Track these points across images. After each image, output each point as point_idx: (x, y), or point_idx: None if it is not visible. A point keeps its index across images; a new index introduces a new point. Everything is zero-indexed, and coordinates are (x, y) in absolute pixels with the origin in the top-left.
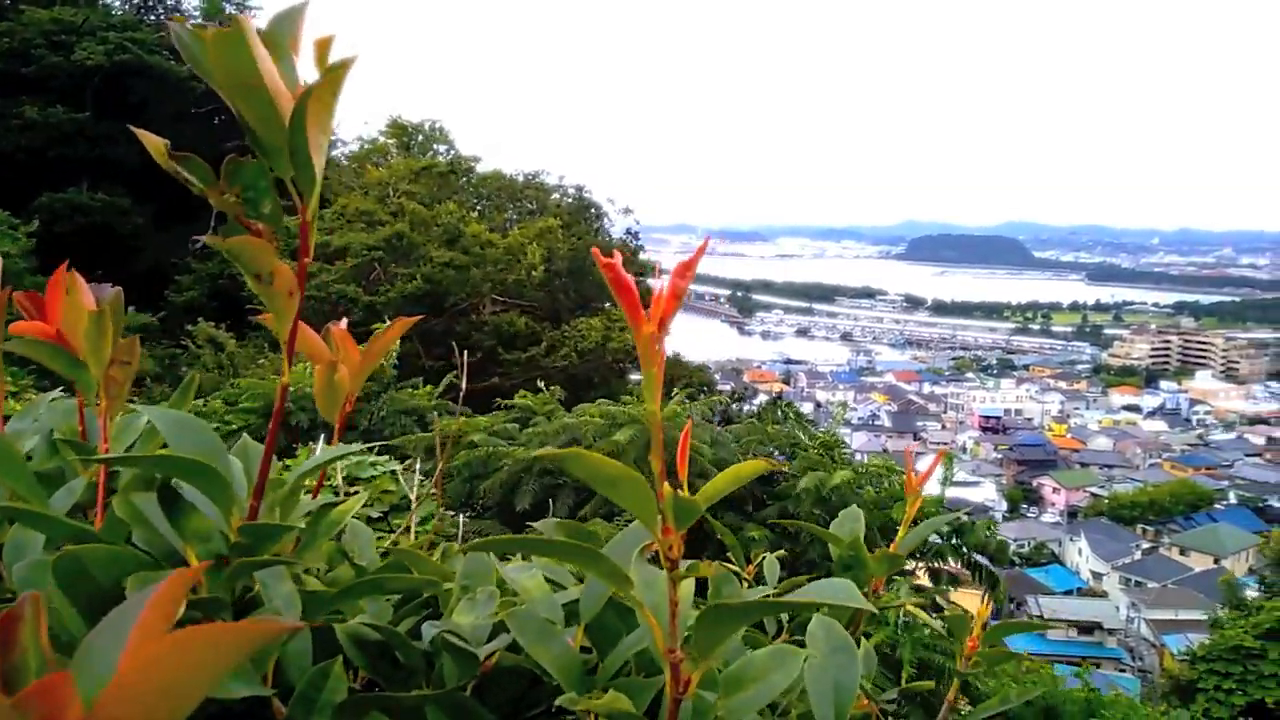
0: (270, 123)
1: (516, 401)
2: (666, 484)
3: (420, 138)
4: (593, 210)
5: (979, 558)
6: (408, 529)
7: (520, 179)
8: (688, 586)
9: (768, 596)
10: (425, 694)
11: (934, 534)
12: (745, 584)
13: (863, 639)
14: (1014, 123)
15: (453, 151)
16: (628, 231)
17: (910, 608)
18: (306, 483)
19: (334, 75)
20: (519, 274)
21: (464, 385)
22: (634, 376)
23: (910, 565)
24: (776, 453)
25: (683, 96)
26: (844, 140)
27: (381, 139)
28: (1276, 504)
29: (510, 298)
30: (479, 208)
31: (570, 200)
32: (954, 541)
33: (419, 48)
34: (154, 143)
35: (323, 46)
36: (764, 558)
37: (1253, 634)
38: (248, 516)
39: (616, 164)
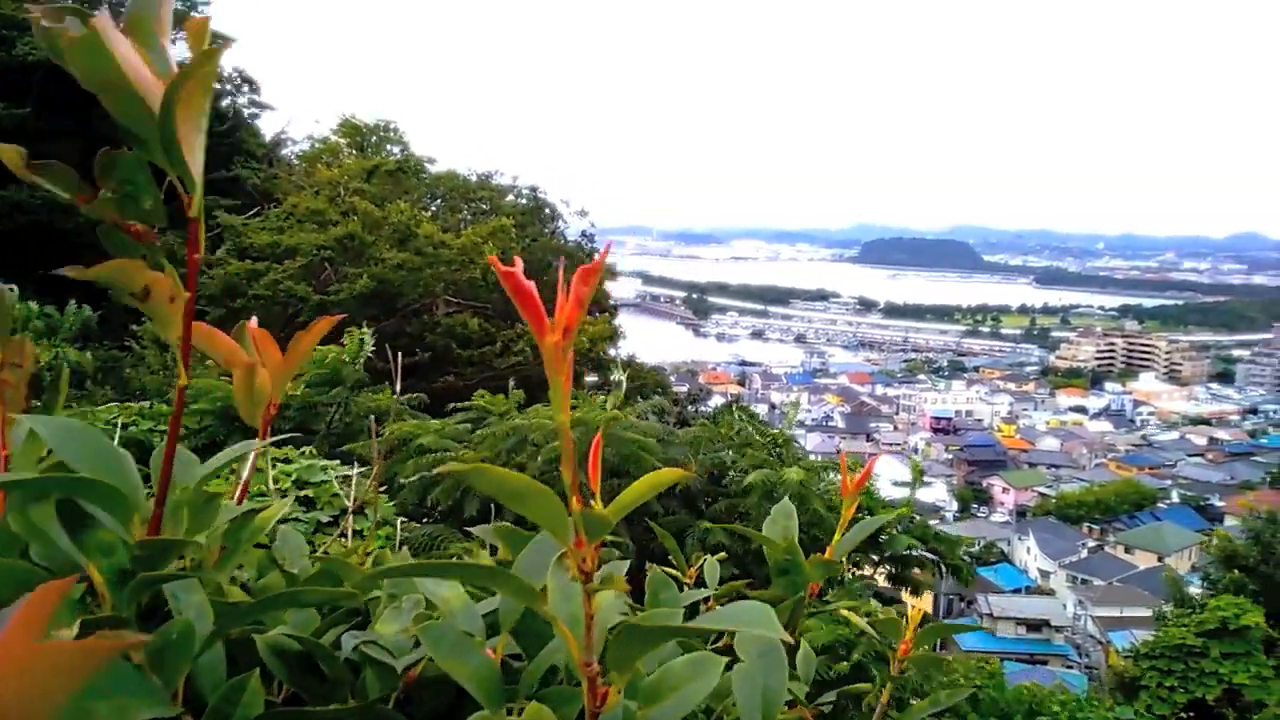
0: (140, 118)
1: (473, 403)
2: (576, 497)
3: (374, 138)
4: (547, 211)
5: (926, 553)
6: (344, 534)
7: (474, 179)
8: (607, 597)
9: (709, 600)
10: (343, 708)
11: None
12: (686, 587)
13: (802, 642)
14: (964, 127)
15: (406, 151)
16: (583, 234)
17: (844, 612)
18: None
19: (204, 61)
20: (473, 274)
21: (398, 387)
22: (589, 378)
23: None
24: (729, 452)
25: (639, 99)
26: (798, 144)
27: (333, 138)
28: (1218, 503)
29: (464, 298)
30: (432, 208)
31: (525, 201)
32: (912, 549)
33: (375, 50)
34: (8, 153)
35: (197, 29)
36: (704, 560)
37: (1195, 632)
38: (150, 526)
39: (571, 166)
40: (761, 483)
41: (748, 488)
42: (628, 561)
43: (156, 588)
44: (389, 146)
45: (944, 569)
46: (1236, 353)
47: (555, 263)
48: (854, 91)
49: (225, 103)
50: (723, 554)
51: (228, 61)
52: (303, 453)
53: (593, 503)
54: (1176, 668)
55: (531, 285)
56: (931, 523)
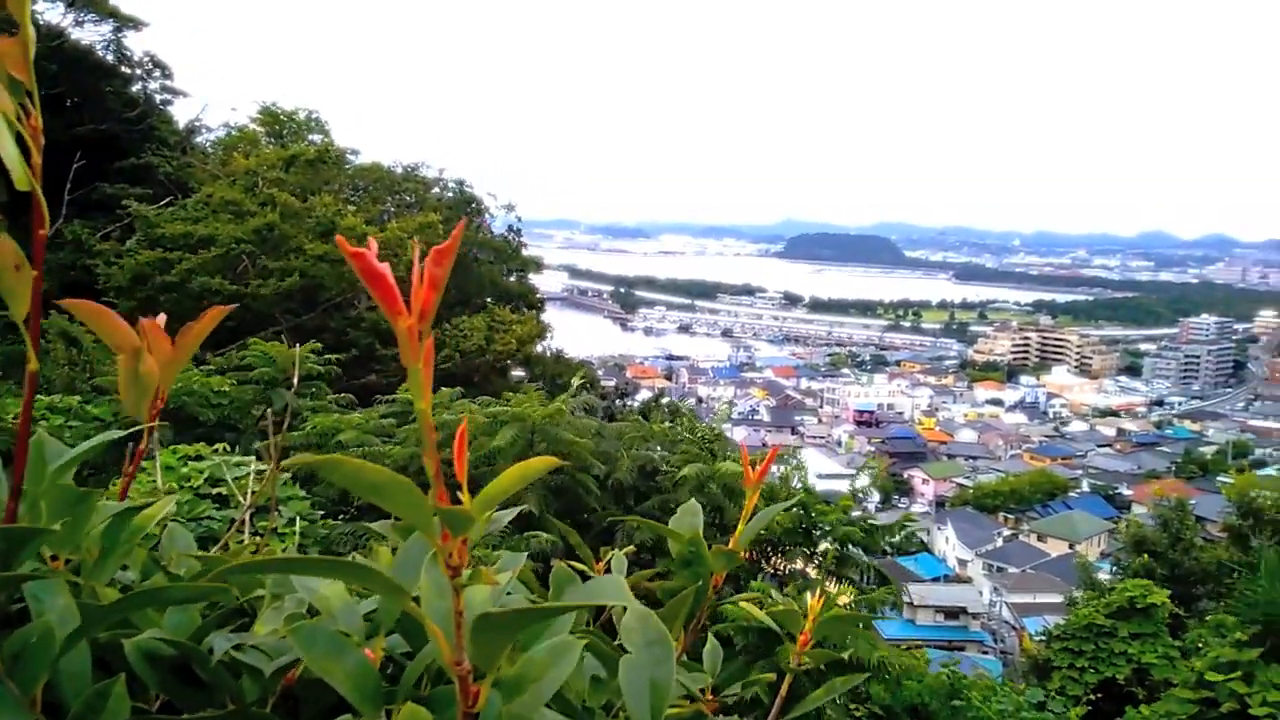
0: None
1: (398, 396)
2: (440, 490)
3: (294, 127)
4: (474, 205)
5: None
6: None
7: (399, 171)
8: (481, 593)
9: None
10: (212, 714)
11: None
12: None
13: (709, 635)
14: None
15: (327, 141)
16: (509, 227)
17: (744, 605)
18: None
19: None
20: (398, 270)
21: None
22: (516, 373)
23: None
24: (659, 448)
25: (567, 91)
26: (726, 139)
27: (251, 126)
28: (1126, 492)
29: None
30: (355, 200)
31: (451, 194)
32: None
33: (296, 37)
34: None
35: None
36: (612, 554)
37: (1104, 613)
38: (6, 517)
39: (499, 158)
40: (694, 476)
41: (680, 481)
42: (523, 555)
43: (15, 589)
44: (310, 136)
45: (870, 571)
46: (1144, 347)
47: (481, 257)
48: (780, 87)
49: (136, 88)
50: (630, 547)
51: (138, 45)
52: (216, 450)
53: (461, 495)
54: (1087, 648)
55: (385, 267)
56: (855, 514)
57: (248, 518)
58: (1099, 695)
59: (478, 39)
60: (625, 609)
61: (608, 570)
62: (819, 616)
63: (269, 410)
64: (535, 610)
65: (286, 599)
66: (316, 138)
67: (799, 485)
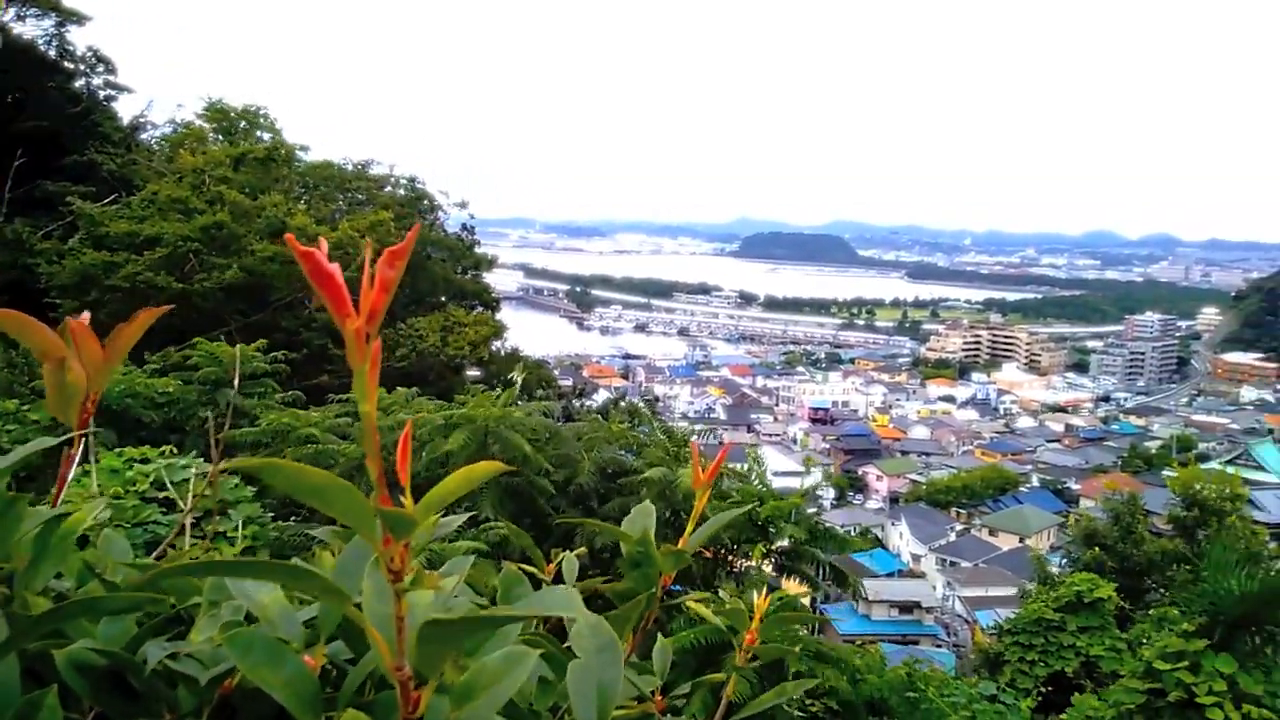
0: None
1: (352, 395)
2: (382, 494)
3: (242, 124)
4: (426, 202)
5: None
6: (207, 537)
7: (350, 169)
8: (424, 597)
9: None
10: None
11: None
12: (544, 584)
13: (659, 636)
14: (841, 125)
15: (276, 138)
16: (463, 226)
17: (691, 604)
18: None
19: None
20: (350, 270)
21: (235, 382)
22: (472, 372)
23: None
24: (620, 450)
25: (521, 89)
26: (681, 137)
27: (198, 123)
28: (1074, 486)
29: None
30: (305, 198)
31: (403, 192)
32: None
33: (244, 31)
34: None
35: None
36: (563, 557)
37: (1053, 607)
38: None
39: (451, 156)
40: (659, 479)
41: (643, 483)
42: (470, 559)
43: None
44: (258, 133)
45: (825, 569)
46: (1090, 344)
47: (435, 255)
48: (734, 85)
49: (79, 84)
50: (583, 549)
51: (81, 40)
52: (162, 452)
53: (403, 499)
54: (1037, 642)
55: (335, 268)
56: (810, 510)
57: (196, 521)
58: (1049, 688)
59: (429, 36)
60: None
61: (558, 573)
62: (765, 615)
63: (212, 411)
64: (482, 619)
65: (224, 606)
66: (266, 135)
67: (758, 483)
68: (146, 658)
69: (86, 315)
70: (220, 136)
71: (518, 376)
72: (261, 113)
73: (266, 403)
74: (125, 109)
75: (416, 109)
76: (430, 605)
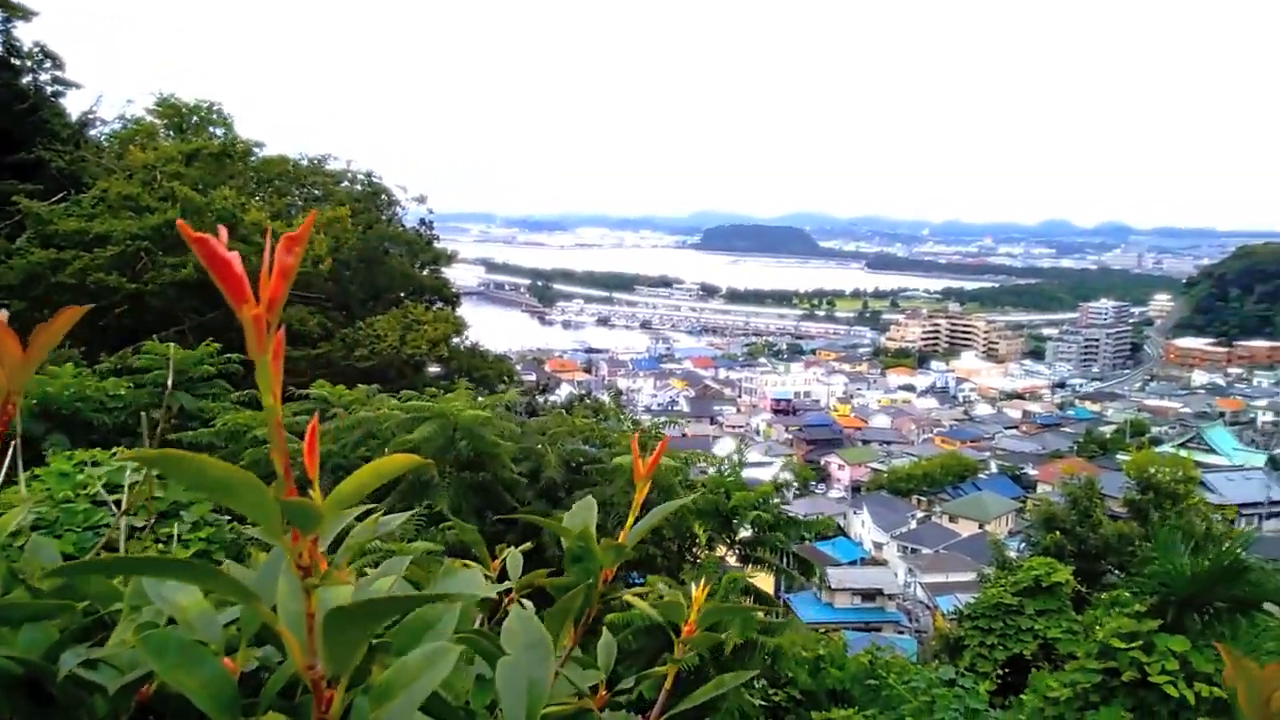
0: None
1: (311, 392)
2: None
3: (194, 119)
4: (384, 197)
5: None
6: (155, 539)
7: (305, 164)
8: (341, 594)
9: (510, 593)
10: None
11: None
12: (489, 579)
13: (604, 630)
14: (800, 117)
15: (230, 133)
16: (422, 221)
17: (628, 597)
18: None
19: None
20: (305, 266)
21: (169, 382)
22: (433, 369)
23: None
24: (585, 444)
25: (479, 84)
26: (640, 132)
27: (149, 119)
28: (1031, 472)
29: (297, 290)
30: (260, 194)
31: (360, 187)
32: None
33: (196, 24)
34: None
35: None
36: (508, 552)
37: (1012, 591)
38: None
39: (409, 151)
40: (627, 468)
41: (614, 470)
42: (407, 559)
43: None
44: (211, 128)
45: (788, 558)
46: (1046, 331)
47: (393, 250)
48: (693, 78)
49: (26, 80)
50: (529, 544)
51: (27, 35)
52: (113, 454)
53: (311, 493)
54: (996, 626)
55: (233, 256)
56: (773, 500)
57: (149, 524)
58: (1008, 671)
59: (386, 31)
60: (521, 608)
61: (503, 570)
62: (703, 607)
63: (163, 413)
64: (385, 601)
65: (145, 609)
66: (218, 130)
67: (730, 475)
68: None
69: (4, 314)
70: (171, 132)
71: (510, 390)
72: (214, 108)
73: (222, 404)
74: (74, 105)
75: (375, 104)
76: (344, 600)
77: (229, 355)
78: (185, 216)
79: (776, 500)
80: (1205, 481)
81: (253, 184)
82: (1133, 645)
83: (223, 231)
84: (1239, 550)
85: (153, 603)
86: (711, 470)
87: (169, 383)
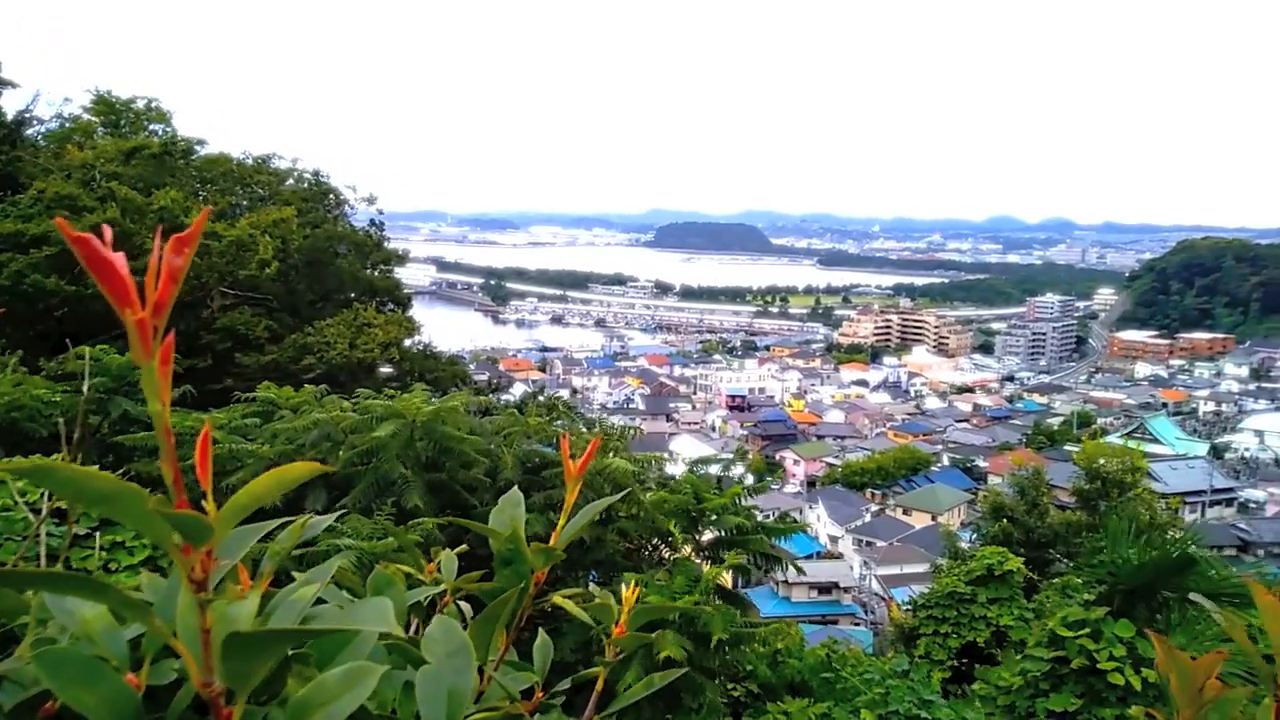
0: None
1: (259, 394)
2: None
3: (132, 116)
4: (332, 197)
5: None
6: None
7: (250, 162)
8: (238, 610)
9: (445, 595)
10: None
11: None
12: (423, 584)
13: (540, 631)
14: (752, 115)
15: (170, 131)
16: (371, 221)
17: (558, 599)
18: None
19: None
20: (251, 268)
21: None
22: (385, 370)
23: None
24: (540, 444)
25: (429, 81)
26: (592, 129)
27: (86, 117)
28: (982, 464)
29: (243, 291)
30: (202, 193)
31: (307, 186)
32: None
33: (134, 19)
34: None
35: None
36: (443, 556)
37: (964, 580)
38: None
39: (357, 150)
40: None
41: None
42: (333, 565)
43: None
44: (151, 126)
45: (756, 556)
46: (995, 326)
47: (341, 251)
48: (645, 76)
49: None
50: (464, 546)
51: None
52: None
53: (205, 504)
54: (950, 615)
55: (117, 257)
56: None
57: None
58: (964, 661)
59: (333, 27)
60: (457, 610)
61: (439, 571)
62: (633, 607)
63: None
64: (283, 633)
65: (50, 624)
66: (158, 128)
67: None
68: None
69: None
70: (109, 130)
71: (465, 394)
72: (153, 105)
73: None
74: (9, 104)
75: (322, 103)
76: (251, 616)
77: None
78: (125, 217)
79: (750, 503)
80: (1150, 471)
81: (194, 183)
82: (1081, 633)
83: (106, 232)
84: (1188, 544)
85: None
86: (681, 470)
87: (85, 388)
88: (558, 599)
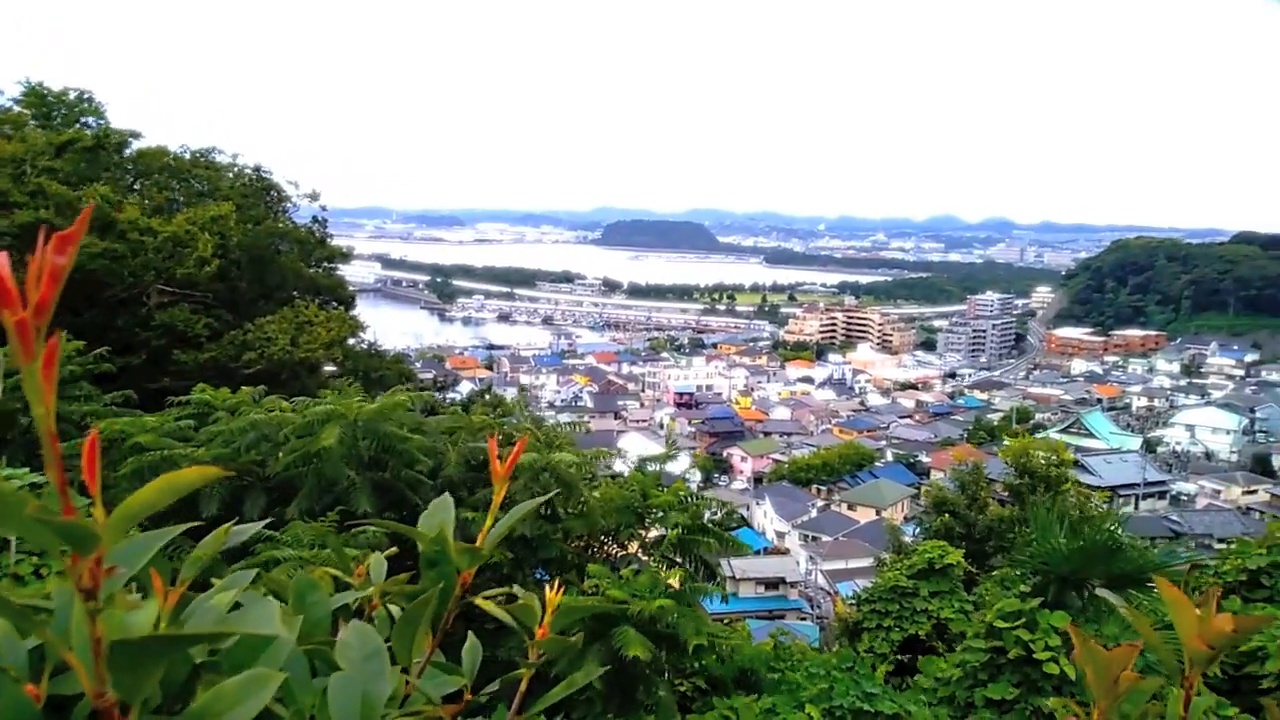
0: None
1: (193, 396)
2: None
3: (64, 109)
4: (274, 193)
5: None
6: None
7: (188, 156)
8: (135, 619)
9: (374, 599)
10: None
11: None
12: (351, 587)
13: (469, 634)
14: (699, 112)
15: (103, 124)
16: (314, 217)
17: (480, 602)
18: None
19: None
20: (189, 266)
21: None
22: (328, 368)
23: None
24: (485, 441)
25: (373, 76)
26: (539, 126)
27: (15, 108)
28: (924, 459)
29: (181, 288)
30: (137, 187)
31: (247, 182)
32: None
33: (66, 9)
34: None
35: None
36: (372, 558)
37: (907, 574)
38: None
39: (300, 145)
40: (529, 465)
41: (515, 471)
42: (252, 572)
43: None
44: (83, 118)
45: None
46: (937, 323)
47: (283, 248)
48: (593, 74)
49: None
50: (394, 549)
51: None
52: None
53: (94, 511)
54: (892, 608)
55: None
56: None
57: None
58: (907, 655)
59: (275, 20)
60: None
61: (367, 574)
62: (557, 608)
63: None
64: (169, 639)
65: None
66: (91, 120)
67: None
68: None
69: None
70: (39, 122)
71: (404, 390)
72: (85, 96)
73: (93, 408)
74: None
75: (263, 97)
76: (147, 624)
77: (96, 352)
78: (57, 214)
79: (698, 502)
80: (1085, 464)
81: (130, 177)
82: (1017, 624)
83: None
84: (1113, 530)
85: None
86: (630, 468)
87: None
88: (479, 600)
